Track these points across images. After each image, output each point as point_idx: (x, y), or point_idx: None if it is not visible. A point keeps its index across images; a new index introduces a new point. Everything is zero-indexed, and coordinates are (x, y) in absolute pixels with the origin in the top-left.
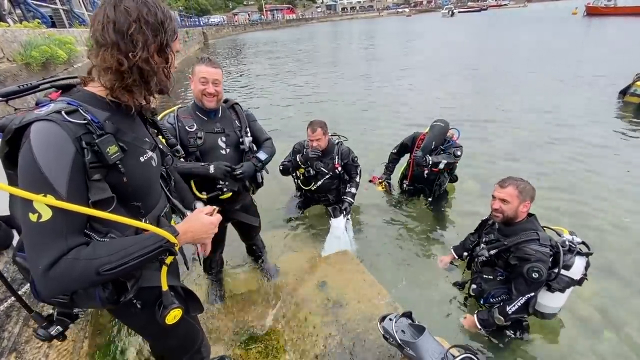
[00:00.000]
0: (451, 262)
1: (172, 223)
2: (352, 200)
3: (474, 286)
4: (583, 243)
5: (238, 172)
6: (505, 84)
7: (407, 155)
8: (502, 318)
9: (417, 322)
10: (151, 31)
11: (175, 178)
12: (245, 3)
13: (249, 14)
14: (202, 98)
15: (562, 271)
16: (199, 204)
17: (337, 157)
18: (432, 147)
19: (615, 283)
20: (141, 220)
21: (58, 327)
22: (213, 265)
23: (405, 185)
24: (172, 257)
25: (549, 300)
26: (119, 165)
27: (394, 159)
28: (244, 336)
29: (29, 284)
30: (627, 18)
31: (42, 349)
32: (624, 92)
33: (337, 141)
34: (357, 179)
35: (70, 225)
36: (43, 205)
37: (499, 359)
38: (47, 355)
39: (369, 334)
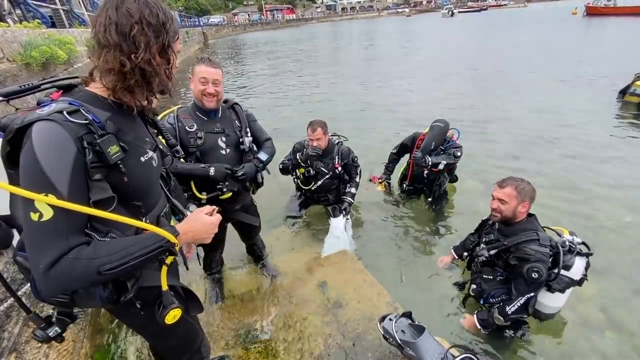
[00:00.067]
0: (451, 262)
1: (172, 223)
2: (352, 200)
3: (473, 286)
4: (583, 243)
5: (240, 173)
6: (505, 84)
7: (407, 156)
8: (501, 318)
9: (417, 322)
10: (153, 32)
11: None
12: (245, 3)
13: (248, 14)
14: (202, 98)
15: (562, 271)
16: (192, 207)
17: (337, 157)
18: (432, 147)
19: (615, 283)
20: (141, 220)
21: (56, 328)
22: (213, 265)
23: (405, 186)
24: (172, 257)
25: (549, 300)
26: (120, 165)
27: (393, 159)
28: (243, 336)
29: (28, 285)
30: (627, 18)
31: (42, 349)
32: (623, 92)
33: (337, 141)
34: (357, 179)
35: (71, 225)
36: (44, 205)
37: (499, 359)
38: (47, 355)
39: (369, 334)
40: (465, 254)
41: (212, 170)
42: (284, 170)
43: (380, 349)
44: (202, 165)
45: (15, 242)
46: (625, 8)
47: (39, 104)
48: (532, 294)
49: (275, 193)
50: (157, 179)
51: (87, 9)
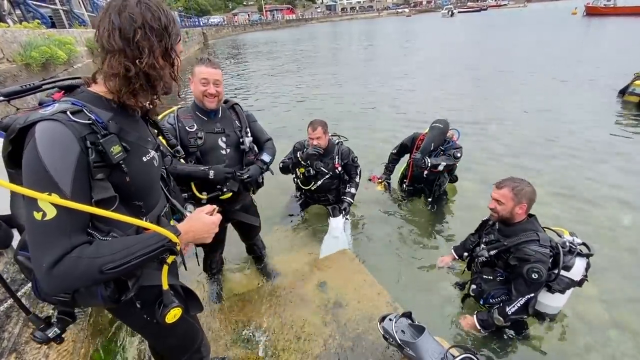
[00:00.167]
0: (452, 262)
1: (171, 223)
2: (352, 200)
3: (473, 286)
4: (584, 244)
5: (245, 176)
6: (505, 84)
7: (407, 156)
8: (501, 319)
9: (417, 322)
10: (156, 37)
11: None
12: (245, 3)
13: (248, 15)
14: (203, 99)
15: (562, 272)
16: (190, 207)
17: (337, 157)
18: (432, 148)
19: (615, 283)
20: (142, 220)
21: (56, 329)
22: (213, 265)
23: (405, 186)
24: (173, 257)
25: (549, 301)
26: (122, 165)
27: (393, 159)
28: (243, 336)
29: (28, 285)
30: (626, 18)
31: (42, 350)
32: (623, 92)
33: (337, 141)
34: (357, 179)
35: (74, 224)
36: (48, 204)
37: (499, 359)
38: (47, 355)
39: (369, 334)
40: (466, 254)
41: (211, 174)
42: (284, 169)
43: (381, 349)
44: (202, 168)
45: (15, 242)
46: (625, 8)
47: (41, 104)
48: (532, 295)
49: (275, 193)
50: (158, 178)
51: (87, 9)
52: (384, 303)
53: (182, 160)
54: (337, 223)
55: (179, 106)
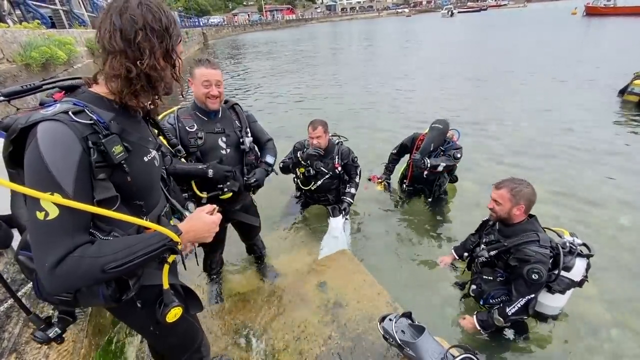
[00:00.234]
0: (452, 263)
1: (171, 222)
2: (352, 201)
3: (473, 287)
4: (584, 244)
5: (252, 180)
6: (505, 84)
7: (407, 156)
8: (501, 319)
9: (417, 323)
10: (157, 38)
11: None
12: (244, 3)
13: (248, 15)
14: (205, 100)
15: (563, 273)
16: (191, 206)
17: (337, 157)
18: (431, 148)
19: (616, 283)
20: (143, 219)
21: (56, 329)
22: (213, 265)
23: (405, 186)
24: (174, 256)
25: (549, 301)
26: (124, 165)
27: (393, 160)
28: (243, 336)
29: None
30: (626, 18)
31: (42, 350)
32: (622, 91)
33: (337, 141)
34: (357, 180)
35: (76, 224)
36: (50, 204)
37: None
38: (47, 355)
39: (368, 334)
40: (466, 254)
41: (210, 172)
42: (285, 169)
43: (381, 350)
44: (201, 166)
45: (15, 242)
46: (624, 8)
47: (42, 105)
48: (532, 295)
49: (275, 193)
50: (159, 178)
51: (87, 10)
52: (384, 303)
53: (182, 160)
54: (337, 223)
55: (179, 106)
